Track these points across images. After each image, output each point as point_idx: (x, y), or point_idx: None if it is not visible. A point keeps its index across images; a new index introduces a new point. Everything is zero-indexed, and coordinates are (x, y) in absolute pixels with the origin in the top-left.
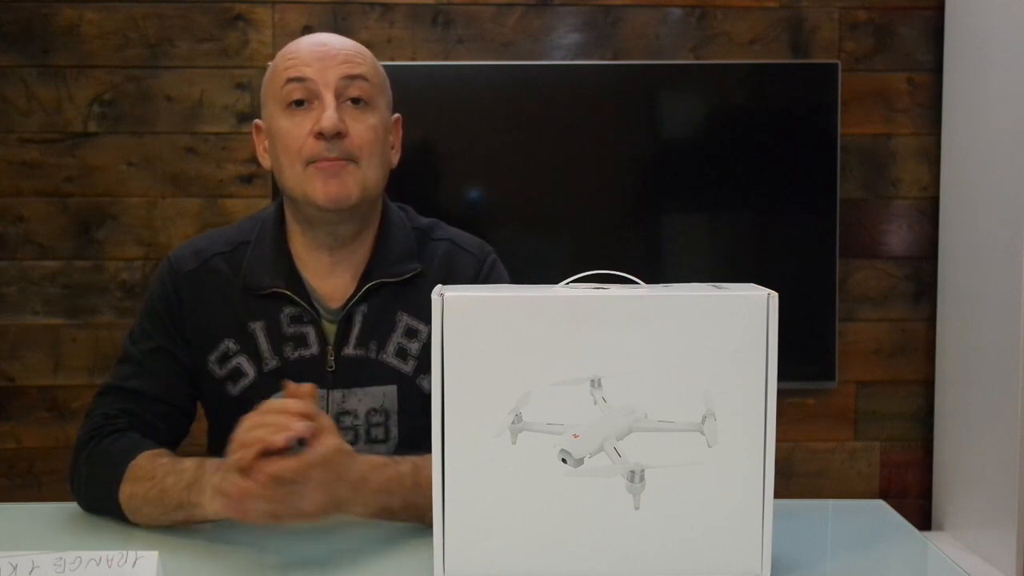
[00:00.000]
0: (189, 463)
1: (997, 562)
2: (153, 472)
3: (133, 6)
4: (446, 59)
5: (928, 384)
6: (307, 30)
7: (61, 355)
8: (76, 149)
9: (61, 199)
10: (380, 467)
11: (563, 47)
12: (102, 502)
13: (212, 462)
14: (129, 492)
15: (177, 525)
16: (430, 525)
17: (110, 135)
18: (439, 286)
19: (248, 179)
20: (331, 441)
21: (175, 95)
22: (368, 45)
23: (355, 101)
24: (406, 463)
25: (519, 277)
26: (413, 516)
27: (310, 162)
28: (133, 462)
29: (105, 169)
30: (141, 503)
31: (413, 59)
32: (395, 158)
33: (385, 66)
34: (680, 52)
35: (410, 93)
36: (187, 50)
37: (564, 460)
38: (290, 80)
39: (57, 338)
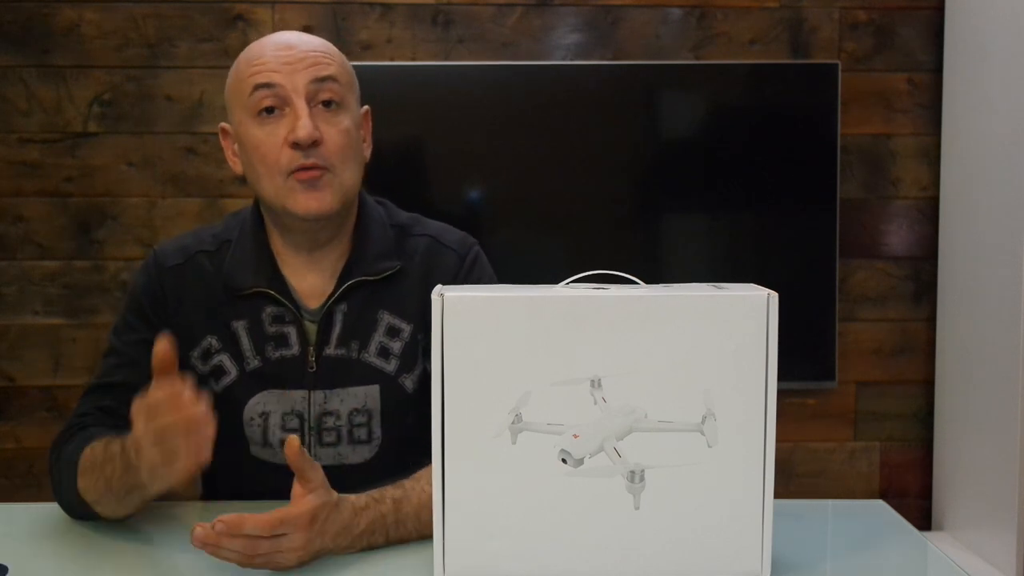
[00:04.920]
0: (116, 447)
1: (997, 562)
2: (94, 462)
3: (133, 6)
4: (446, 59)
5: (928, 384)
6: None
7: (61, 355)
8: (76, 149)
9: (61, 199)
10: (362, 511)
11: (563, 47)
12: (74, 505)
13: (130, 440)
14: (83, 486)
15: (141, 507)
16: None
17: (110, 135)
18: (439, 286)
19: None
20: (312, 500)
21: (175, 95)
22: (368, 45)
23: (327, 104)
24: (386, 503)
25: (519, 277)
26: (399, 543)
27: (289, 172)
28: (81, 457)
29: (105, 169)
30: (98, 496)
31: (413, 59)
32: (367, 151)
33: (385, 66)
34: (680, 52)
35: (410, 93)
36: (187, 50)
37: (564, 460)
38: (258, 87)
39: (57, 338)
